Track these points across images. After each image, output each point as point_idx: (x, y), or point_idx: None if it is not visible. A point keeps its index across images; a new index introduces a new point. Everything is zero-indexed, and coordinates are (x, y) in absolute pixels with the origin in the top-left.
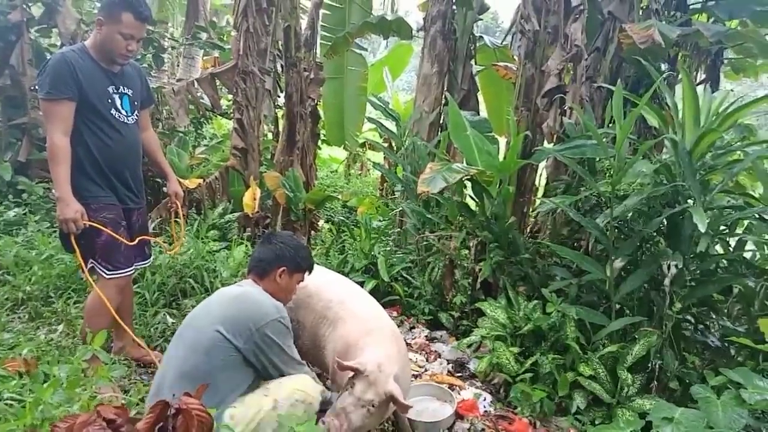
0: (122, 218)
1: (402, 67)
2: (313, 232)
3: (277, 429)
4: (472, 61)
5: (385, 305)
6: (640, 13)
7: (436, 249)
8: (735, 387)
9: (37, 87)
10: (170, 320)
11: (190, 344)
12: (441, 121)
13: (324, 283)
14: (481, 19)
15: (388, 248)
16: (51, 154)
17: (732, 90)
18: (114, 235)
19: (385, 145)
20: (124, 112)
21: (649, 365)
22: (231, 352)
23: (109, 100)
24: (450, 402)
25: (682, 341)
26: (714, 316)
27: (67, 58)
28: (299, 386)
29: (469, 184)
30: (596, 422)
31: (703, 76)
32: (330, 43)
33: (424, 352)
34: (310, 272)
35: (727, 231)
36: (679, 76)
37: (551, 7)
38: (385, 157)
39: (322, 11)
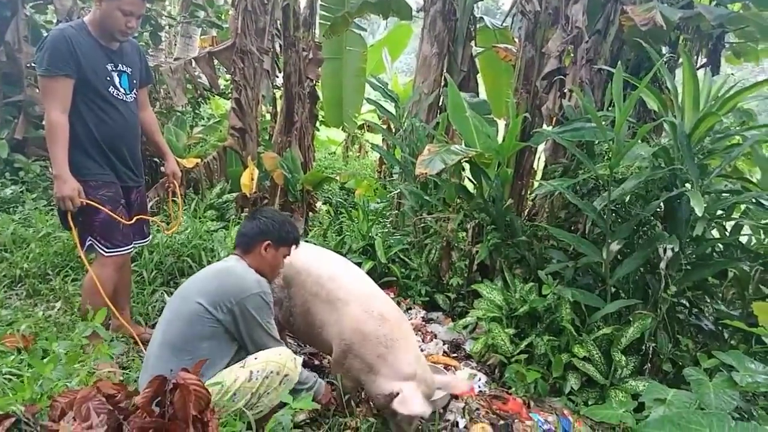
0: (121, 196)
1: (401, 48)
2: (310, 213)
3: (250, 399)
4: (472, 43)
5: (382, 286)
6: None
7: (433, 231)
8: (727, 369)
9: (35, 63)
10: (167, 299)
11: (174, 314)
12: (440, 103)
13: (312, 259)
14: (482, 0)
15: (386, 230)
16: (49, 131)
17: (732, 74)
18: (112, 214)
19: (384, 126)
20: (122, 90)
21: (643, 347)
22: (211, 323)
23: (108, 78)
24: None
25: (676, 324)
26: (708, 300)
27: (66, 34)
28: (274, 358)
29: (467, 166)
30: (589, 403)
31: (704, 60)
32: (329, 23)
33: (420, 333)
34: (296, 246)
35: (724, 215)
36: (680, 60)
37: None
38: (383, 139)
39: None
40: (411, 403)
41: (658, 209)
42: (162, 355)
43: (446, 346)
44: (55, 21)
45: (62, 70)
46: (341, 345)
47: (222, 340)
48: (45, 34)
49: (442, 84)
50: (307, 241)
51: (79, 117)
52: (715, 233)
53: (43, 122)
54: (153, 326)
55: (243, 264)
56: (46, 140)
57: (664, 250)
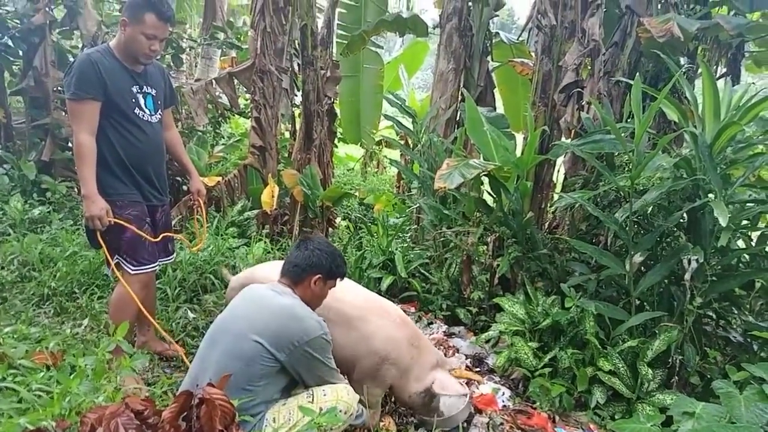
0: (146, 215)
1: (418, 64)
2: (330, 229)
3: None
4: (489, 58)
5: (402, 301)
6: (659, 6)
7: (453, 245)
8: (758, 382)
9: (63, 88)
10: (191, 315)
11: (229, 350)
12: (457, 118)
13: None
14: (497, 16)
15: (406, 245)
16: (77, 153)
17: (753, 83)
18: (139, 232)
19: (402, 142)
20: (147, 111)
21: (670, 360)
22: (271, 363)
23: (133, 100)
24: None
25: (703, 336)
26: (736, 311)
27: (92, 58)
28: (344, 396)
29: (486, 179)
30: (616, 417)
31: (724, 70)
32: (346, 42)
33: (442, 348)
34: (342, 279)
35: (749, 225)
36: (699, 70)
37: (568, 2)
38: (401, 154)
39: (338, 10)
40: (450, 384)
41: (681, 220)
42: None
43: (469, 360)
44: (80, 46)
45: (89, 94)
46: (374, 358)
47: (279, 376)
48: (71, 59)
49: (459, 99)
50: None
51: (106, 138)
52: (740, 243)
53: (70, 144)
54: (177, 343)
55: (299, 301)
56: (75, 161)
57: (689, 262)
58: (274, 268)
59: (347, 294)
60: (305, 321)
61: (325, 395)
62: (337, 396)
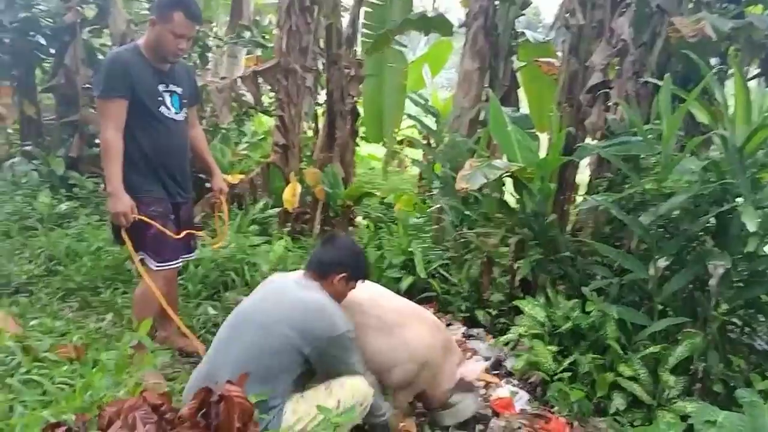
0: (170, 212)
1: (441, 64)
2: (351, 227)
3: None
4: (514, 57)
5: (421, 301)
6: (690, 6)
7: (474, 246)
8: None
9: (92, 86)
10: (212, 311)
11: (254, 341)
12: (481, 118)
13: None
14: (524, 15)
15: (426, 245)
16: (104, 150)
17: None
18: (163, 229)
19: (424, 141)
20: (173, 109)
21: (692, 367)
22: (295, 355)
23: (160, 98)
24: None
25: (728, 344)
26: (762, 319)
27: (121, 57)
28: (362, 388)
29: (509, 180)
30: (636, 424)
31: (757, 71)
32: (371, 41)
33: (460, 349)
34: (364, 281)
35: None
36: (730, 71)
37: (597, 1)
38: (423, 154)
39: (363, 9)
40: (472, 367)
41: (708, 225)
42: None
43: (487, 362)
44: (110, 44)
45: (117, 92)
46: (413, 365)
47: (298, 369)
48: (100, 57)
49: (483, 99)
50: None
51: (132, 136)
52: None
53: (98, 141)
54: (198, 339)
55: (327, 296)
56: (101, 158)
57: (715, 267)
58: None
59: (383, 299)
60: (333, 317)
61: (342, 387)
62: (355, 387)
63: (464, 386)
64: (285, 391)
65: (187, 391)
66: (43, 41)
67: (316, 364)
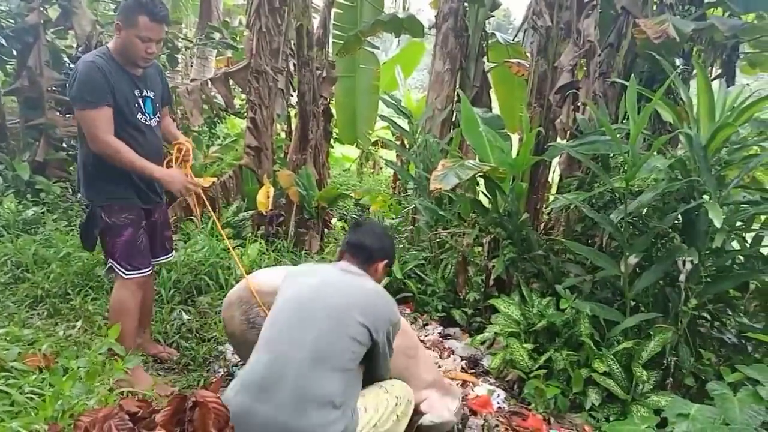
0: (143, 218)
1: (414, 65)
2: (326, 229)
3: (391, 427)
4: (485, 58)
5: (398, 302)
6: (654, 8)
7: (449, 246)
8: (752, 384)
9: (71, 97)
10: (185, 317)
11: (330, 329)
12: (453, 119)
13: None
14: (493, 16)
15: (401, 245)
16: (112, 153)
17: (748, 84)
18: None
19: (398, 142)
20: (147, 115)
21: (665, 362)
22: (366, 342)
23: (136, 105)
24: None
25: (698, 338)
26: (730, 313)
27: (98, 65)
28: (406, 387)
29: (482, 180)
30: (611, 418)
31: (719, 71)
32: (342, 42)
33: (437, 349)
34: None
35: (744, 226)
36: (694, 71)
37: (563, 3)
38: (397, 155)
39: (334, 10)
40: (439, 407)
41: (676, 221)
42: (317, 374)
43: (464, 362)
44: (75, 45)
45: (105, 100)
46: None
47: (359, 365)
48: (65, 59)
49: (455, 100)
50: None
51: None
52: (735, 245)
53: (64, 144)
54: (171, 345)
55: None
56: (115, 162)
57: (683, 263)
58: (281, 269)
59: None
60: (392, 303)
61: (394, 386)
62: (403, 387)
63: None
64: (355, 385)
65: (247, 382)
66: (4, 42)
67: (375, 355)
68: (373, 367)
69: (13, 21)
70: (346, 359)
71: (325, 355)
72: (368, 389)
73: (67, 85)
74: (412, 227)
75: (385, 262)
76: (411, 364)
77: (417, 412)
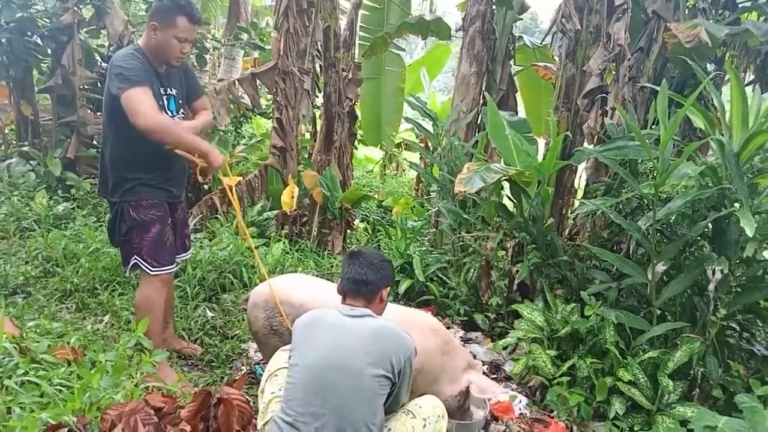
0: (169, 215)
1: (439, 67)
2: (348, 230)
3: None
4: (511, 62)
5: (420, 305)
6: (686, 12)
7: (472, 250)
8: None
9: (116, 80)
10: (209, 314)
11: (352, 386)
12: (479, 122)
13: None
14: (521, 19)
15: (424, 248)
16: (164, 128)
17: None
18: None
19: (422, 145)
20: (170, 111)
21: (691, 372)
22: (388, 388)
23: (161, 102)
24: (483, 405)
25: (726, 349)
26: (760, 324)
27: (136, 55)
28: (437, 402)
29: (507, 184)
30: (635, 429)
31: (752, 77)
32: (368, 44)
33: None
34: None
35: None
36: (727, 77)
37: (593, 6)
38: (420, 158)
39: (361, 12)
40: (486, 384)
41: (706, 229)
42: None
43: (486, 367)
44: (107, 45)
45: (148, 81)
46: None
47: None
48: (97, 58)
49: (481, 103)
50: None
51: (134, 140)
52: (766, 255)
53: (95, 142)
54: (195, 341)
55: (380, 318)
56: (167, 137)
57: (713, 272)
58: (309, 284)
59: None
60: (403, 337)
61: (421, 408)
62: (432, 403)
63: (477, 402)
64: (381, 423)
65: None
66: (40, 42)
67: (396, 389)
68: (394, 394)
69: (48, 20)
70: (373, 411)
71: (355, 415)
72: (394, 418)
73: (106, 76)
74: (434, 230)
75: (388, 287)
76: (446, 360)
77: (465, 396)
